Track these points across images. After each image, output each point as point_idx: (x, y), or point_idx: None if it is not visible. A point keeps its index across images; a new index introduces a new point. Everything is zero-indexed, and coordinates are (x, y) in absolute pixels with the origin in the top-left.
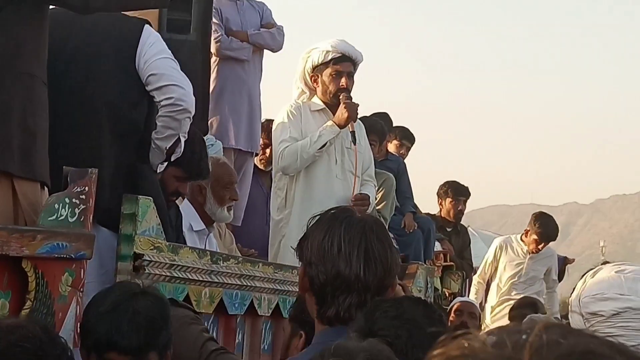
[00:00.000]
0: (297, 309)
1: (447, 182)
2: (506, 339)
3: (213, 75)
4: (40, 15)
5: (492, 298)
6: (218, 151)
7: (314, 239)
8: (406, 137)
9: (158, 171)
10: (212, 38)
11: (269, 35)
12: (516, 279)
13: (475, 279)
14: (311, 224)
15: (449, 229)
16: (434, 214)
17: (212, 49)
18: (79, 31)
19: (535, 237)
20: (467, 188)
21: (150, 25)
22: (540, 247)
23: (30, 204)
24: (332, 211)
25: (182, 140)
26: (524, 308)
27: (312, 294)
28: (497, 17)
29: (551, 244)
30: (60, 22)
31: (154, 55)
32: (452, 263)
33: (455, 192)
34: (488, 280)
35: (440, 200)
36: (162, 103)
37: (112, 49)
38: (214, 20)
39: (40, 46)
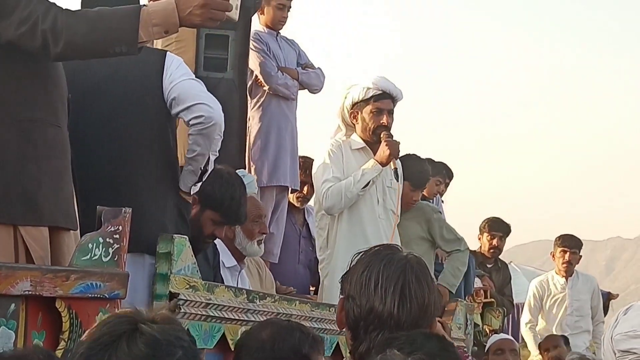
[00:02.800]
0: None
1: (487, 218)
2: None
3: (260, 111)
4: (30, 58)
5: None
6: (252, 185)
7: (354, 273)
8: (445, 174)
9: (191, 193)
10: (263, 70)
11: (315, 76)
12: (562, 313)
13: (526, 331)
14: (355, 259)
15: (489, 265)
16: (474, 250)
17: (264, 82)
18: (102, 66)
19: (561, 249)
20: (506, 224)
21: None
22: (570, 257)
23: (43, 248)
24: (377, 247)
25: (213, 159)
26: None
27: (348, 329)
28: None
29: (595, 278)
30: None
31: (179, 77)
32: (492, 299)
33: (492, 227)
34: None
35: (479, 236)
36: (192, 122)
37: (139, 78)
38: (262, 51)
39: (41, 88)
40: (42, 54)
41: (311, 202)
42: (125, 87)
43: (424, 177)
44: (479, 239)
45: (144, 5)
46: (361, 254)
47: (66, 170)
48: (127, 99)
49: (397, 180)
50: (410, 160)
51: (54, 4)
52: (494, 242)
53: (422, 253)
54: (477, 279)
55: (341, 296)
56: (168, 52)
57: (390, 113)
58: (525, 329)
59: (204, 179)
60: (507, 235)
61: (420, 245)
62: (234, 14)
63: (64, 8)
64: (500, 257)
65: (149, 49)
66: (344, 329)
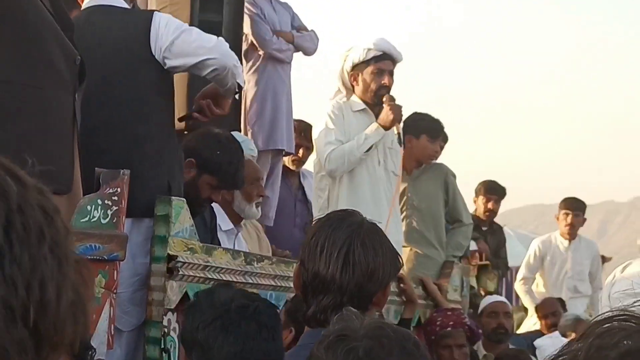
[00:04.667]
0: (293, 305)
1: (483, 181)
2: None
3: (256, 75)
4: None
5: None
6: (252, 149)
7: (306, 239)
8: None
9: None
10: (257, 34)
11: (310, 39)
12: (562, 275)
13: (520, 286)
14: (311, 225)
15: (484, 228)
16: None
17: (258, 47)
18: (90, 33)
19: (564, 212)
20: (501, 187)
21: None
22: (572, 219)
23: None
24: (331, 213)
25: (239, 68)
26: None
27: (300, 293)
28: None
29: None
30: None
31: (172, 34)
32: (487, 262)
33: (487, 190)
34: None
35: (474, 199)
36: (209, 76)
37: (127, 41)
38: (257, 15)
39: (17, 51)
40: None
41: (306, 166)
42: (114, 52)
43: (439, 126)
44: (474, 201)
45: None
46: (317, 219)
47: (49, 131)
48: (117, 64)
49: (400, 145)
50: (418, 115)
51: None
52: (489, 204)
53: (439, 211)
54: (472, 242)
55: (298, 262)
56: (155, 12)
57: (391, 74)
58: (519, 284)
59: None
60: (502, 198)
61: (439, 204)
62: None
63: None
64: (494, 220)
65: (136, 11)
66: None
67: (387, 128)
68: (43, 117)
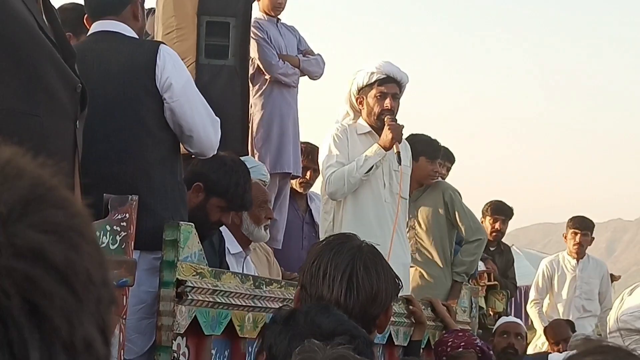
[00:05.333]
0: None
1: (490, 202)
2: None
3: (262, 99)
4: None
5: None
6: (264, 174)
7: (306, 263)
8: (446, 157)
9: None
10: (263, 59)
11: (316, 63)
12: (571, 294)
13: (531, 309)
14: (311, 249)
15: (492, 248)
16: None
17: (264, 71)
18: (96, 63)
19: (572, 231)
20: (509, 207)
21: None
22: (581, 239)
23: None
24: (331, 237)
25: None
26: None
27: None
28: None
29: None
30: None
31: (178, 87)
32: (496, 282)
33: (494, 210)
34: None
35: (482, 220)
36: (190, 152)
37: (131, 73)
38: (263, 39)
39: (19, 78)
40: None
41: (314, 189)
42: (119, 81)
43: (437, 146)
44: (482, 222)
45: None
46: (316, 243)
47: (48, 159)
48: (121, 95)
49: (400, 164)
50: (417, 136)
51: None
52: (497, 225)
53: (442, 230)
54: (480, 262)
55: (298, 287)
56: (161, 45)
57: (395, 97)
58: (530, 306)
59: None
60: (510, 219)
61: (440, 223)
62: None
63: None
64: (502, 240)
65: (140, 42)
66: None
67: (387, 148)
68: (41, 146)
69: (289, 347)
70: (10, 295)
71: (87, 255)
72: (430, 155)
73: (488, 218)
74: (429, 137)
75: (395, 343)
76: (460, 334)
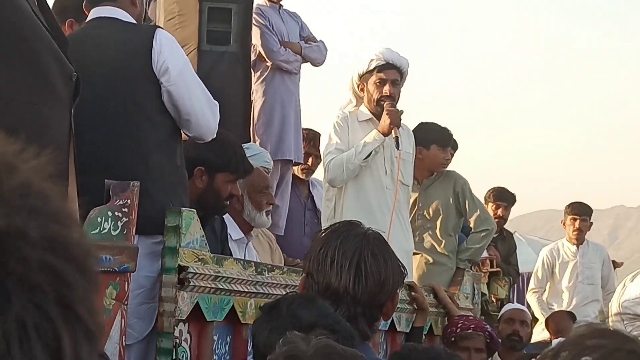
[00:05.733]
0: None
1: (492, 188)
2: None
3: (264, 85)
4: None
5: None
6: (268, 161)
7: (312, 251)
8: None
9: None
10: (265, 45)
11: (318, 50)
12: (573, 281)
13: (530, 297)
14: (316, 237)
15: (494, 235)
16: None
17: (266, 58)
18: (92, 48)
19: (571, 217)
20: (511, 194)
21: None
22: (580, 224)
23: None
24: (336, 224)
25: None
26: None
27: None
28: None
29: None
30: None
31: (175, 69)
32: (498, 269)
33: (497, 197)
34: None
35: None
36: (189, 134)
37: (128, 57)
38: (265, 26)
39: (18, 66)
40: None
41: (315, 175)
42: (116, 66)
43: (448, 134)
44: None
45: None
46: (320, 231)
47: (47, 148)
48: (119, 79)
49: (398, 149)
50: (428, 125)
51: None
52: (499, 211)
53: (450, 220)
54: None
55: (303, 275)
56: (157, 29)
57: (395, 83)
58: (529, 295)
59: None
60: (512, 205)
61: (449, 212)
62: None
63: None
64: (504, 226)
65: (137, 26)
66: None
67: (385, 134)
68: (40, 134)
69: (269, 338)
70: (44, 288)
71: (89, 242)
72: (442, 143)
73: (490, 204)
74: (440, 125)
75: (398, 329)
76: (471, 317)
